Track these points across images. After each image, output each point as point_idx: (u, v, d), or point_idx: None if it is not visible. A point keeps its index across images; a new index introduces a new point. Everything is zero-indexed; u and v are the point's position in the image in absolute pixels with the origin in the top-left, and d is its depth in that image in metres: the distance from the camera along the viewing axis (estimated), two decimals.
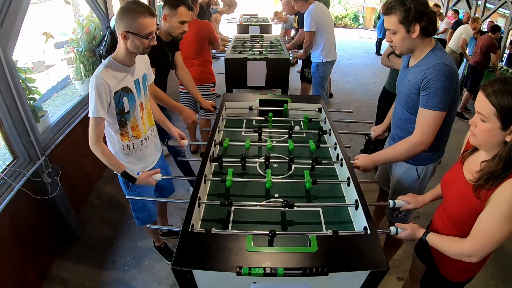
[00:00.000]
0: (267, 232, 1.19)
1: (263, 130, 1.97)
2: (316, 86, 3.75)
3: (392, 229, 1.28)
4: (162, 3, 2.11)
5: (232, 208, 1.44)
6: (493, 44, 4.56)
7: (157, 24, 2.16)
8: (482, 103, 0.98)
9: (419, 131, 1.46)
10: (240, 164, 1.68)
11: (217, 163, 1.69)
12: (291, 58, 3.85)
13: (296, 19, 4.51)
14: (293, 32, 5.90)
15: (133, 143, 1.64)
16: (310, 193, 1.56)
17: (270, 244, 1.20)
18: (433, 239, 1.21)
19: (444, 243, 1.18)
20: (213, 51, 3.72)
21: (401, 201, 1.43)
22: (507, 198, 0.97)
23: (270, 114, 2.14)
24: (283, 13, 5.46)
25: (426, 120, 1.42)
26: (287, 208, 1.35)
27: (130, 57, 1.50)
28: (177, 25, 2.08)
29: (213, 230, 1.21)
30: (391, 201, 1.43)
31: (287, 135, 1.99)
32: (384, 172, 1.94)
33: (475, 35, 5.22)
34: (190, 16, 2.12)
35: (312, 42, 3.48)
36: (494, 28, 4.69)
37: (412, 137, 1.49)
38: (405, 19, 1.35)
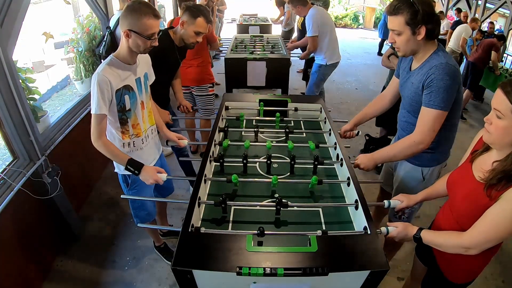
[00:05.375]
0: (256, 231, 1.18)
1: (259, 130, 1.99)
2: (311, 85, 3.75)
3: (383, 229, 1.27)
4: (183, 9, 2.13)
5: (232, 208, 1.44)
6: (496, 45, 4.65)
7: (172, 27, 2.19)
8: (500, 100, 0.98)
9: (419, 130, 1.45)
10: (242, 164, 1.67)
11: (218, 163, 1.69)
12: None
13: (301, 21, 4.50)
14: (295, 33, 5.92)
15: (133, 141, 1.64)
16: (310, 193, 1.56)
17: (260, 244, 1.19)
18: (427, 235, 1.20)
19: (440, 238, 1.17)
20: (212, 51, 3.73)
21: (395, 201, 1.42)
22: None
23: (278, 114, 2.14)
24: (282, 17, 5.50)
25: (427, 119, 1.42)
26: (281, 208, 1.35)
27: (132, 55, 1.51)
28: (192, 34, 2.10)
29: (202, 230, 1.22)
30: (386, 201, 1.42)
31: (285, 135, 1.99)
32: (388, 173, 1.93)
33: (476, 36, 5.23)
34: (207, 28, 2.14)
35: (316, 46, 3.48)
36: (501, 37, 4.86)
37: (412, 136, 1.49)
38: (412, 21, 1.33)
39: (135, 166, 1.54)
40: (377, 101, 1.91)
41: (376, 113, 1.93)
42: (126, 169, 1.54)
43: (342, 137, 1.97)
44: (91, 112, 1.44)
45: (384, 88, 3.03)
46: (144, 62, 1.67)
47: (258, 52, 3.83)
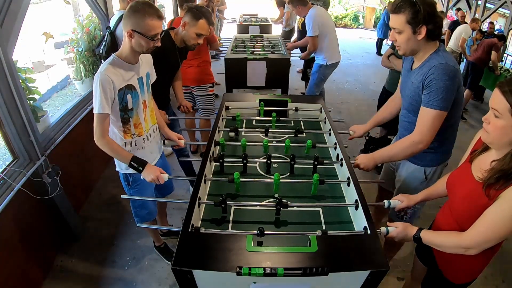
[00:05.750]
0: (256, 231, 1.18)
1: (259, 130, 1.98)
2: (312, 85, 3.76)
3: (383, 229, 1.27)
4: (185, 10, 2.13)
5: (232, 208, 1.44)
6: (496, 44, 4.66)
7: (173, 28, 2.19)
8: (498, 99, 0.98)
9: (418, 130, 1.46)
10: (242, 164, 1.67)
11: (218, 163, 1.69)
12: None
13: (301, 21, 4.50)
14: (296, 33, 5.92)
15: (135, 141, 1.65)
16: (310, 193, 1.56)
17: (260, 244, 1.19)
18: (427, 235, 1.20)
19: (440, 238, 1.17)
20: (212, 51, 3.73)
21: (395, 201, 1.42)
22: None
23: (274, 114, 2.14)
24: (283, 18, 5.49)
25: (426, 118, 1.42)
26: (281, 208, 1.35)
27: (134, 55, 1.52)
28: (193, 35, 2.10)
29: (202, 230, 1.21)
30: (386, 201, 1.43)
31: (286, 136, 1.99)
32: (388, 173, 1.93)
33: (476, 36, 5.23)
34: (208, 31, 2.14)
35: (316, 46, 3.48)
36: (501, 37, 4.90)
37: (411, 136, 1.49)
38: (413, 20, 1.34)
39: (139, 163, 1.55)
40: (389, 103, 1.92)
41: (391, 115, 1.91)
42: (130, 165, 1.54)
43: (350, 138, 2.00)
44: (94, 112, 1.44)
45: (384, 87, 3.03)
46: (146, 62, 1.67)
47: (258, 52, 3.83)
